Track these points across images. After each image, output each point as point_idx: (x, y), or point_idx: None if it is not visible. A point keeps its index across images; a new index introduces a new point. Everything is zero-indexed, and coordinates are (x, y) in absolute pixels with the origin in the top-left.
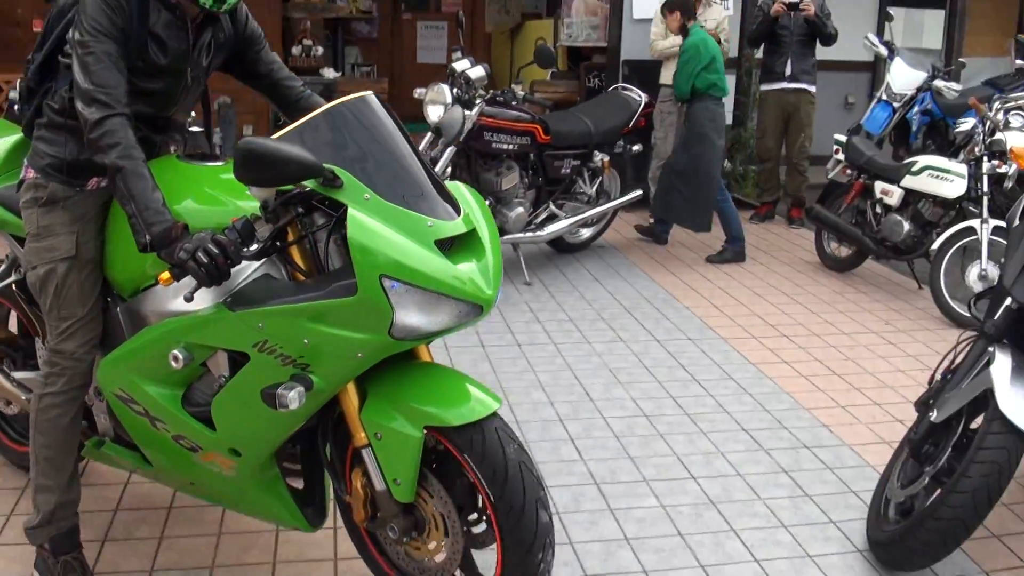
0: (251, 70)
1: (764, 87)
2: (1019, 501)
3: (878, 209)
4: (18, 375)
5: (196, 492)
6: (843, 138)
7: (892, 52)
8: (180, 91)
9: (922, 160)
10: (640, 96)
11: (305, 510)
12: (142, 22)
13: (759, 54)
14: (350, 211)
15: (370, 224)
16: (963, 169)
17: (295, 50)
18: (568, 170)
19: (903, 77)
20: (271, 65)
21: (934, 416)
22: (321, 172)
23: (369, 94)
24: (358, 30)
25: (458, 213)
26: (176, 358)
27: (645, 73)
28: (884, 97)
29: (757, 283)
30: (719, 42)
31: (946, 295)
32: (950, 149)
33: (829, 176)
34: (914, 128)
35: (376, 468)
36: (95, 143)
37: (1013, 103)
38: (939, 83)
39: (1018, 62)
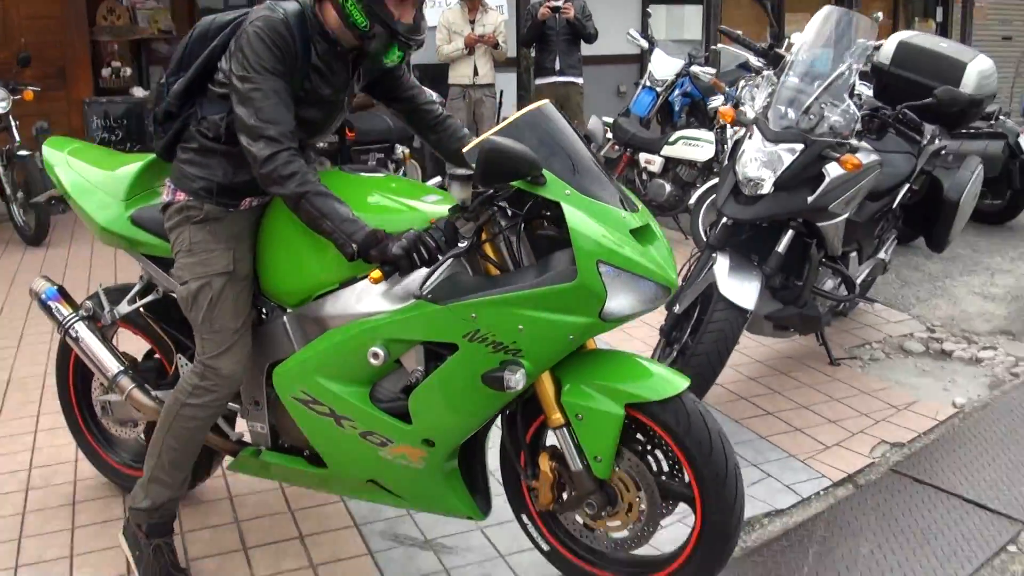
0: (392, 94)
1: (538, 81)
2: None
3: (644, 176)
4: (158, 394)
5: (370, 493)
6: (610, 120)
7: (652, 44)
8: (334, 118)
9: (677, 132)
10: (431, 95)
11: (475, 498)
12: (305, 56)
13: (533, 53)
14: (564, 205)
15: (584, 216)
16: (711, 136)
17: (105, 72)
18: (373, 162)
19: (663, 65)
20: (411, 90)
21: (676, 309)
22: (539, 169)
23: (547, 103)
24: (159, 50)
25: (631, 208)
26: (376, 355)
27: (435, 74)
28: (648, 83)
29: None
30: (496, 45)
31: (705, 240)
32: (709, 123)
33: (601, 154)
34: (676, 108)
35: (573, 448)
36: (268, 177)
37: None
38: (695, 68)
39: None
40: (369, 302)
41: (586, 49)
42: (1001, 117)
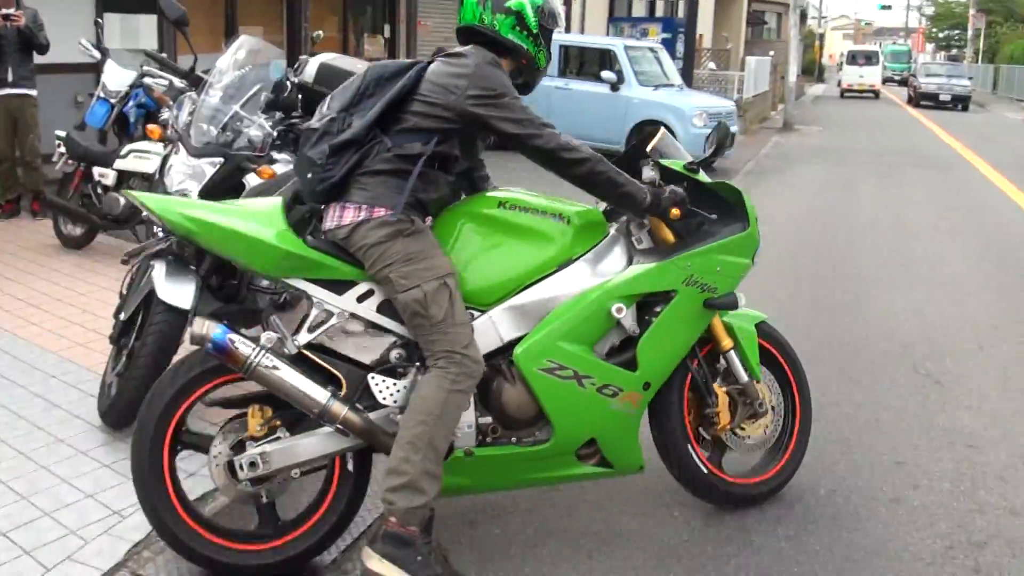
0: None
1: None
2: None
3: (99, 190)
4: (368, 414)
5: (576, 467)
6: (63, 134)
7: (105, 54)
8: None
9: (129, 145)
10: None
11: None
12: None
13: None
14: (729, 182)
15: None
16: (160, 148)
17: None
18: None
19: (116, 76)
20: None
21: (122, 316)
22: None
23: None
24: None
25: None
26: (620, 309)
27: None
28: (102, 94)
29: (8, 270)
30: None
31: None
32: None
33: (57, 168)
34: (132, 120)
35: (740, 364)
36: (564, 159)
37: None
38: (148, 80)
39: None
40: (592, 278)
41: (40, 58)
42: None
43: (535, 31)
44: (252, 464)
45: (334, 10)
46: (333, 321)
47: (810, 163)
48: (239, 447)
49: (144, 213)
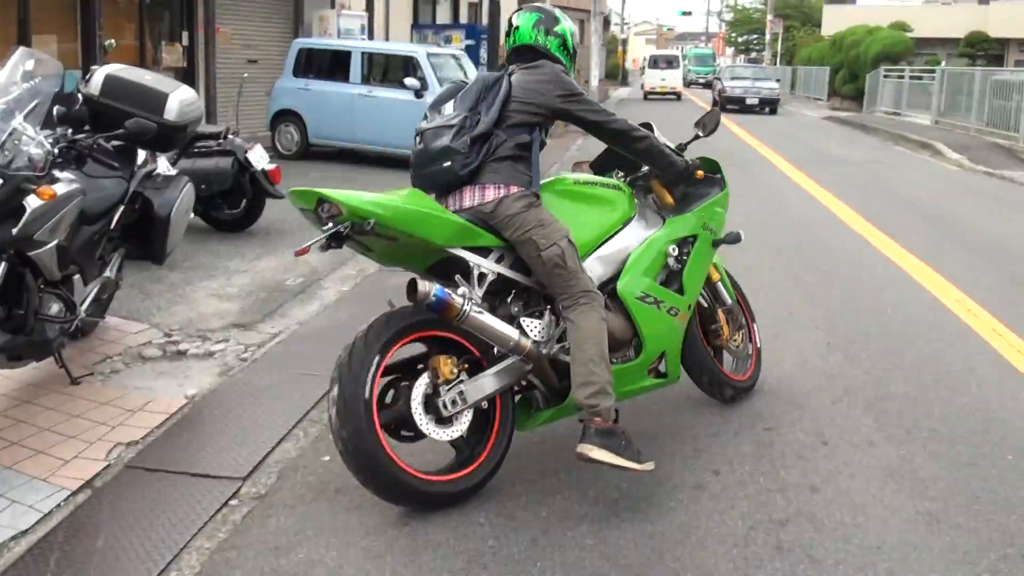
0: None
1: None
2: None
3: None
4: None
5: (645, 381)
6: None
7: None
8: None
9: None
10: None
11: None
12: None
13: None
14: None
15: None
16: None
17: None
18: None
19: None
20: None
21: None
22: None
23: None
24: None
25: None
26: (673, 250)
27: None
28: None
29: None
30: None
31: None
32: None
33: None
34: None
35: (724, 291)
36: (634, 137)
37: None
38: None
39: None
40: (644, 231)
41: None
42: (230, 136)
43: (572, 51)
44: (454, 401)
45: (130, 18)
46: (489, 279)
47: None
48: (434, 392)
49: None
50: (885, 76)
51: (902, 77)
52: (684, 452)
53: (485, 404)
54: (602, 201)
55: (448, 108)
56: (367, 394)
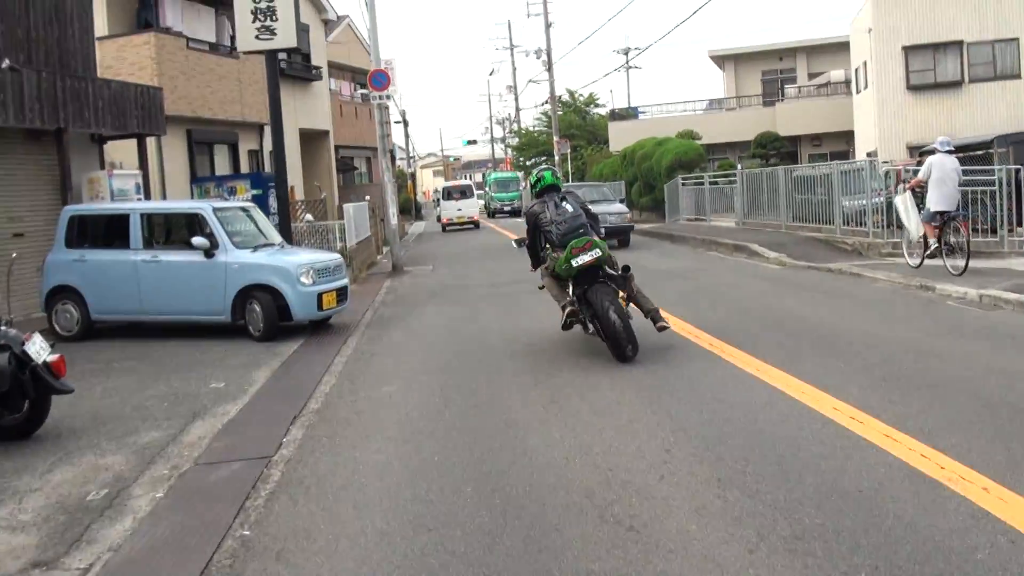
0: None
1: None
2: None
3: None
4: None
5: None
6: None
7: None
8: None
9: None
10: None
11: None
12: None
13: None
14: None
15: None
16: None
17: None
18: None
19: None
20: None
21: None
22: None
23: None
24: None
25: None
26: None
27: None
28: None
29: None
30: None
31: None
32: None
33: None
34: None
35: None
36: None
37: None
38: None
39: None
40: None
41: None
42: (3, 327)
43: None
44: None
45: None
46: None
47: (428, 303)
48: None
49: None
50: (683, 184)
51: (701, 183)
52: None
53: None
54: None
55: (567, 207)
56: None
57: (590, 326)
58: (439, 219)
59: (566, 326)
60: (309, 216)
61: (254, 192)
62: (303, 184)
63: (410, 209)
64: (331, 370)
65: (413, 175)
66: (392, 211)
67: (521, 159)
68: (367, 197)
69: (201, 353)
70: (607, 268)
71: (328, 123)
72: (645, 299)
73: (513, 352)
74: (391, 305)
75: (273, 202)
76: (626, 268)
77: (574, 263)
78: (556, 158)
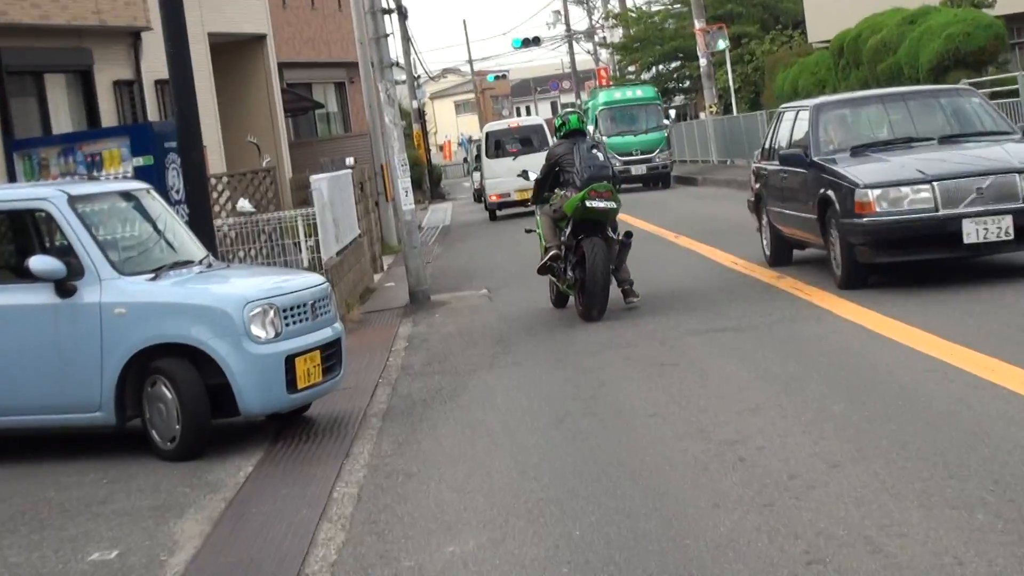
0: None
1: None
2: None
3: None
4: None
5: None
6: None
7: None
8: None
9: None
10: None
11: None
12: None
13: None
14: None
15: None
16: None
17: None
18: None
19: None
20: None
21: None
22: None
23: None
24: None
25: None
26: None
27: None
28: None
29: None
30: None
31: None
32: None
33: None
34: None
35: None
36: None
37: None
38: None
39: None
40: None
41: None
42: None
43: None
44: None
45: None
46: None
47: (495, 366)
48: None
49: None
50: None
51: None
52: None
53: None
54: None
55: (598, 155)
56: None
57: (569, 275)
58: (481, 196)
59: (543, 269)
60: (246, 202)
61: (139, 160)
62: (222, 141)
63: (421, 181)
64: (329, 514)
65: (421, 112)
66: (404, 187)
67: (623, 63)
68: (349, 161)
69: (63, 488)
70: (610, 230)
71: (264, 22)
72: (626, 271)
73: (716, 487)
74: (421, 374)
75: (176, 179)
76: (628, 234)
77: (588, 203)
78: (702, 62)
